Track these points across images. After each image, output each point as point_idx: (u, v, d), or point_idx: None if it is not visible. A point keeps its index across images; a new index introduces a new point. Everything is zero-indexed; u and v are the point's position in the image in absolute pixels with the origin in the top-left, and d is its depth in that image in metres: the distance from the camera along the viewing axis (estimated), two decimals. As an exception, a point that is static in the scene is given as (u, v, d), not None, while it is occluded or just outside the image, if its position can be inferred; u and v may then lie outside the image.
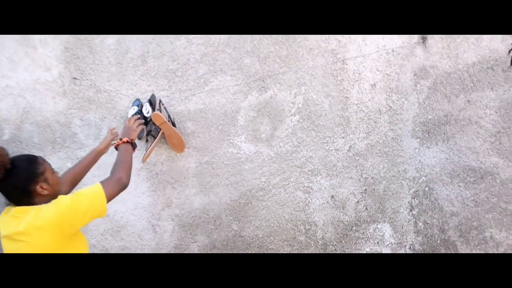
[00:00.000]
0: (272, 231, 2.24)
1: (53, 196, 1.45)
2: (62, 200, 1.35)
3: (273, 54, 2.14)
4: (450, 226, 2.13)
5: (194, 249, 2.28)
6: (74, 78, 2.22)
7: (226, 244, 2.26)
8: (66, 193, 1.70)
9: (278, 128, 2.19)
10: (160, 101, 2.15)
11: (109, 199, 1.41)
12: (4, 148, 1.39)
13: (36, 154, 1.51)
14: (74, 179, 1.74)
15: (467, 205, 2.08)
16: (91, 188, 1.41)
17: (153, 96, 2.16)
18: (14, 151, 2.27)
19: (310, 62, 2.13)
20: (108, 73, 2.20)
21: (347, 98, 2.14)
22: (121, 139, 1.64)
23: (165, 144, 2.19)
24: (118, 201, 2.01)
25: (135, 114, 2.06)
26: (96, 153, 1.81)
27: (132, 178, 2.19)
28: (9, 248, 1.34)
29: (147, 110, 2.09)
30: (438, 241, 2.15)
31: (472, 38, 1.99)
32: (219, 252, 2.26)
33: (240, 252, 2.24)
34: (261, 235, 2.25)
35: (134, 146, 1.68)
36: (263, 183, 2.22)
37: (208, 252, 2.26)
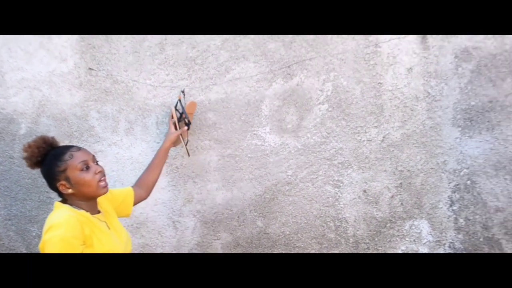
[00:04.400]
0: (300, 228, 2.11)
1: (88, 197, 1.35)
2: (45, 236, 1.22)
3: (300, 38, 1.99)
4: (495, 223, 1.96)
5: (217, 246, 2.17)
6: (90, 68, 2.14)
7: (250, 242, 2.15)
8: (144, 197, 1.81)
9: (305, 118, 2.05)
10: (183, 91, 2.03)
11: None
12: (44, 138, 1.36)
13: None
14: (147, 183, 1.82)
15: (515, 200, 1.91)
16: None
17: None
18: (31, 145, 2.21)
19: (340, 46, 1.98)
20: (125, 63, 2.10)
21: (381, 84, 1.98)
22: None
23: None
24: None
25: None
26: (163, 152, 1.89)
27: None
28: None
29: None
30: (481, 239, 1.98)
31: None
32: (243, 250, 2.14)
33: (265, 250, 2.12)
34: (287, 232, 2.12)
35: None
36: (289, 176, 2.08)
37: (232, 250, 2.15)
